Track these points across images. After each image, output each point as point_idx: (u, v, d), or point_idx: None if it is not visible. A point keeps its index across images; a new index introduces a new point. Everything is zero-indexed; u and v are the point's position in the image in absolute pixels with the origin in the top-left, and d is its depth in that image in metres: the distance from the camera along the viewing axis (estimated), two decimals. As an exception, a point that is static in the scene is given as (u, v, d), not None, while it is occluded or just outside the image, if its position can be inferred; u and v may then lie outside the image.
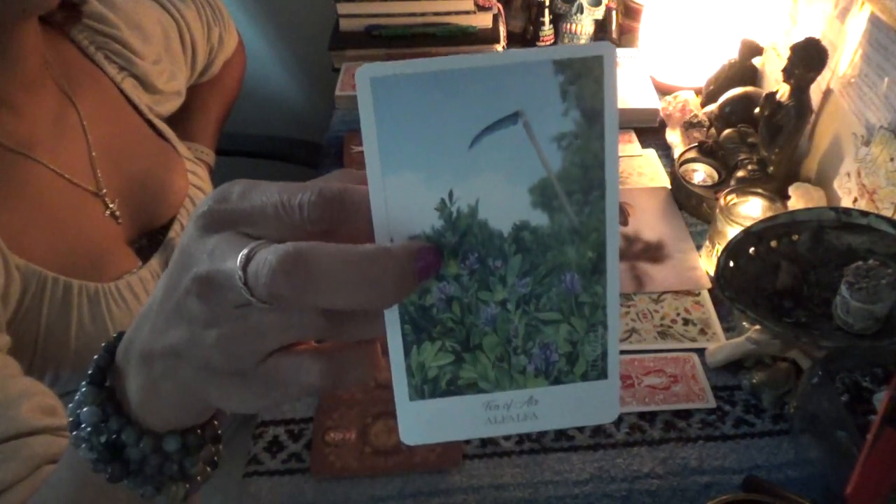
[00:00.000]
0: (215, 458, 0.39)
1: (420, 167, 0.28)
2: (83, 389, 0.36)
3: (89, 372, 0.36)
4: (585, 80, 0.27)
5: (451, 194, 0.28)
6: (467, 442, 0.69)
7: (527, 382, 0.30)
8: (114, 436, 0.35)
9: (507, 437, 0.69)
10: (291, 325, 0.29)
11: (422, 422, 0.30)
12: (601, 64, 0.27)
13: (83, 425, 0.36)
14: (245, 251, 0.28)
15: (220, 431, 0.39)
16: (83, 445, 0.36)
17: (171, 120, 0.93)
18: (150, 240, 0.79)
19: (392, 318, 0.29)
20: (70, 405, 0.37)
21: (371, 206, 0.28)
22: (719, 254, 0.76)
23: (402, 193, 0.28)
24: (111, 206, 0.74)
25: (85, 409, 0.35)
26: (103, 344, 0.37)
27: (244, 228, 0.29)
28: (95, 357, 0.37)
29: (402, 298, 0.29)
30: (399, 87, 0.27)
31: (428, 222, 0.28)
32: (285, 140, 1.35)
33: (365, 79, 0.27)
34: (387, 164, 0.27)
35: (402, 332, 0.29)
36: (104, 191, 0.74)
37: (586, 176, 0.28)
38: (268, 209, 0.29)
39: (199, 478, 0.39)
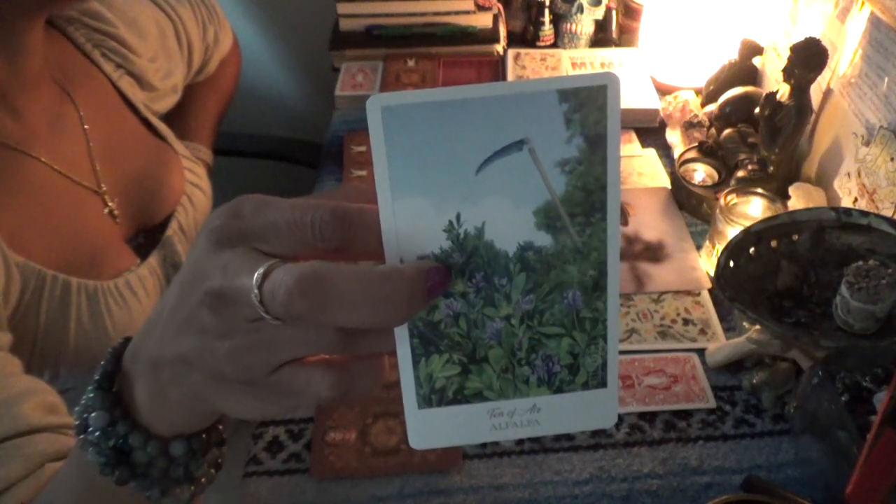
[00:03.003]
0: (219, 461, 0.40)
1: (429, 191, 0.29)
2: (91, 394, 0.36)
3: (96, 377, 0.37)
4: (589, 108, 0.28)
5: (458, 217, 0.29)
6: (468, 442, 0.69)
7: (530, 391, 0.32)
8: (121, 440, 0.36)
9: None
10: (304, 341, 0.30)
11: (429, 428, 0.32)
12: (605, 93, 0.28)
13: (91, 429, 0.36)
14: (261, 269, 0.29)
15: (224, 435, 0.40)
16: (91, 449, 0.36)
17: (169, 119, 0.93)
18: (147, 238, 0.79)
19: (401, 332, 0.30)
20: (76, 409, 0.37)
21: (382, 227, 0.29)
22: (719, 254, 0.76)
23: (412, 216, 0.29)
24: (110, 204, 0.74)
25: (93, 414, 0.36)
26: (110, 349, 0.38)
27: (257, 244, 0.30)
28: (102, 362, 0.37)
29: (413, 315, 0.30)
30: (408, 115, 0.28)
31: (436, 243, 0.30)
32: (285, 140, 1.35)
33: (376, 108, 0.28)
34: (397, 189, 0.29)
35: (410, 346, 0.31)
36: (104, 188, 0.74)
37: (589, 199, 0.30)
38: (280, 227, 0.30)
39: (203, 480, 0.39)
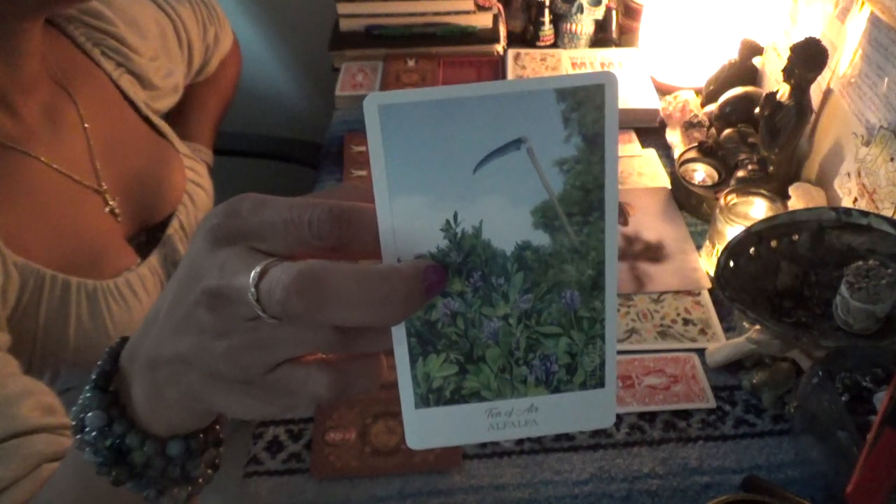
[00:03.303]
0: (217, 461, 0.40)
1: (426, 190, 0.29)
2: (88, 394, 0.36)
3: (93, 377, 0.37)
4: (587, 107, 0.28)
5: (455, 216, 0.29)
6: (467, 442, 0.69)
7: (527, 391, 0.32)
8: (118, 440, 0.36)
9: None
10: (301, 340, 0.30)
11: (427, 428, 0.32)
12: (602, 92, 0.28)
13: (88, 429, 0.36)
14: (258, 268, 0.29)
15: (221, 435, 0.40)
16: (88, 449, 0.36)
17: (169, 119, 0.93)
18: (148, 236, 0.79)
19: (399, 332, 0.30)
20: (73, 408, 0.37)
21: (379, 226, 0.29)
22: (719, 254, 0.75)
23: (409, 215, 0.29)
24: (111, 203, 0.74)
25: (90, 414, 0.36)
26: (107, 349, 0.37)
27: (254, 243, 0.30)
28: (100, 362, 0.37)
29: (411, 315, 0.30)
30: (406, 114, 0.28)
31: (433, 242, 0.29)
32: (285, 140, 1.35)
33: (373, 106, 0.28)
34: (394, 188, 0.29)
35: (408, 346, 0.31)
36: (104, 187, 0.73)
37: (586, 198, 0.29)
38: (278, 225, 0.29)
39: (200, 480, 0.39)
